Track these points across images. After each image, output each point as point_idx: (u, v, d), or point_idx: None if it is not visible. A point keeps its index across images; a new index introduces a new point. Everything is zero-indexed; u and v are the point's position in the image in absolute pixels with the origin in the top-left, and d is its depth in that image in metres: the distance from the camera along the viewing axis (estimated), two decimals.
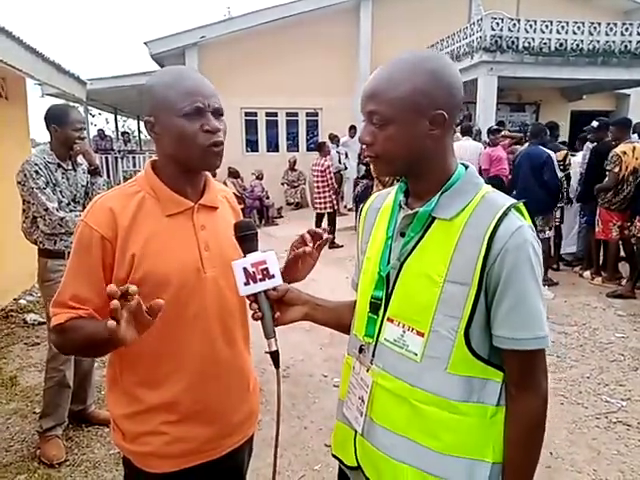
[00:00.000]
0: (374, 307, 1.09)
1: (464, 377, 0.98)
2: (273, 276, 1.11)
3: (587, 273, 6.08)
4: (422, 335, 1.00)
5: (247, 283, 1.10)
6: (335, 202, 8.08)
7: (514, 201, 1.01)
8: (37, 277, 2.79)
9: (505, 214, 0.96)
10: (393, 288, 1.06)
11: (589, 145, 6.29)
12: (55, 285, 2.64)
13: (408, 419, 1.01)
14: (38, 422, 2.78)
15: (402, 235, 1.07)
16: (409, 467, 1.01)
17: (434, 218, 1.02)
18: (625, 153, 5.27)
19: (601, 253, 6.04)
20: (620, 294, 5.37)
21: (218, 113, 1.17)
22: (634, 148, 5.31)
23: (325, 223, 8.10)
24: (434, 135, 1.00)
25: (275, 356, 1.15)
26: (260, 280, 1.10)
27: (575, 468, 2.65)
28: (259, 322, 1.15)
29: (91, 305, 1.16)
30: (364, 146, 1.05)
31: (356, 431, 1.11)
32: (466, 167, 1.07)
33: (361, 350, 1.11)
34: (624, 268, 5.88)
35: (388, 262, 1.08)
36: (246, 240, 1.15)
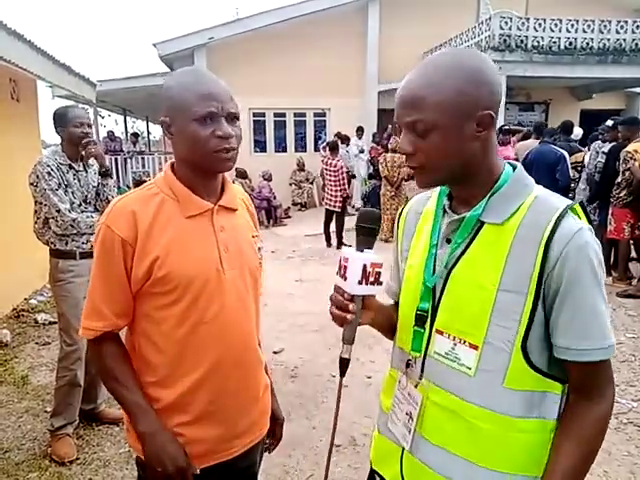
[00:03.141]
0: (420, 320, 1.02)
1: (523, 392, 0.92)
2: (381, 283, 1.02)
3: None
4: (475, 348, 0.93)
5: (361, 282, 0.99)
6: (344, 202, 8.10)
7: (570, 202, 0.93)
8: (48, 277, 2.82)
9: (562, 216, 0.89)
10: (440, 298, 0.99)
11: (598, 145, 6.25)
12: (67, 285, 2.68)
13: (462, 436, 0.96)
14: (49, 421, 2.81)
15: (448, 242, 1.00)
16: None
17: (483, 223, 0.96)
18: (637, 151, 5.23)
19: (612, 253, 6.00)
20: (631, 294, 5.33)
21: (233, 118, 1.17)
22: None
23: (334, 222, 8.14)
24: (481, 137, 0.93)
25: (345, 364, 1.05)
26: (371, 283, 1.00)
27: None
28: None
29: (120, 307, 1.19)
30: (401, 150, 0.98)
31: (403, 447, 1.05)
32: (514, 167, 1.00)
33: (408, 364, 1.04)
34: (635, 268, 5.83)
35: (433, 271, 1.01)
36: (364, 232, 1.03)
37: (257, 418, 1.36)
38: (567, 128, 6.54)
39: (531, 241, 0.90)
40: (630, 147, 5.30)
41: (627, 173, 5.26)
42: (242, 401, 1.29)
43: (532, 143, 6.44)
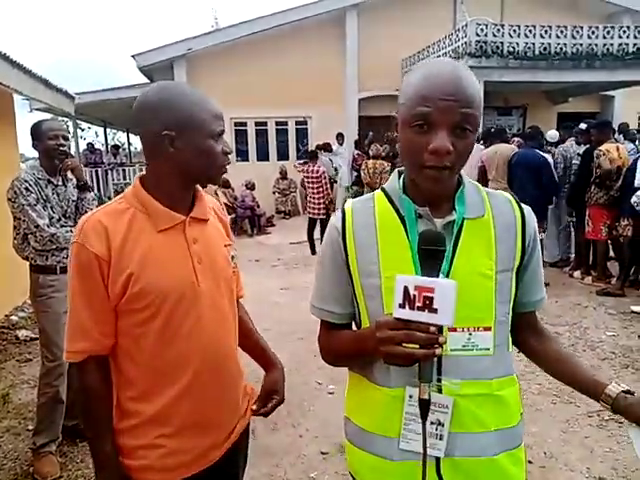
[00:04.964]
0: None
1: (510, 352, 1.11)
2: (436, 310, 0.87)
3: (577, 273, 6.15)
4: (490, 329, 1.03)
5: (402, 305, 0.89)
6: (328, 208, 8.10)
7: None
8: (29, 293, 2.78)
9: (517, 202, 1.10)
10: None
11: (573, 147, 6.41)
12: (48, 300, 2.65)
13: (492, 411, 1.03)
14: (31, 439, 2.76)
15: None
16: (503, 455, 1.04)
17: (463, 219, 1.04)
18: (608, 151, 5.39)
19: (590, 253, 6.12)
20: (610, 292, 5.44)
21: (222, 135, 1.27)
22: (617, 148, 5.45)
23: (318, 228, 8.14)
24: None
25: (427, 406, 0.92)
26: (418, 309, 0.88)
27: (569, 467, 2.67)
28: None
29: (106, 325, 1.18)
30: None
31: (424, 459, 0.95)
32: None
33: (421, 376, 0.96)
34: (614, 267, 5.95)
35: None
36: (426, 256, 0.94)
37: (238, 425, 1.37)
38: (534, 134, 6.53)
39: (508, 226, 1.06)
40: (603, 147, 5.48)
41: (599, 170, 5.41)
42: (223, 411, 1.30)
43: None
